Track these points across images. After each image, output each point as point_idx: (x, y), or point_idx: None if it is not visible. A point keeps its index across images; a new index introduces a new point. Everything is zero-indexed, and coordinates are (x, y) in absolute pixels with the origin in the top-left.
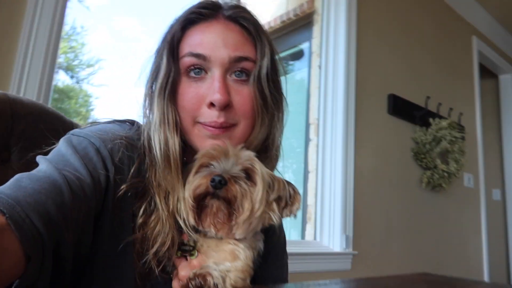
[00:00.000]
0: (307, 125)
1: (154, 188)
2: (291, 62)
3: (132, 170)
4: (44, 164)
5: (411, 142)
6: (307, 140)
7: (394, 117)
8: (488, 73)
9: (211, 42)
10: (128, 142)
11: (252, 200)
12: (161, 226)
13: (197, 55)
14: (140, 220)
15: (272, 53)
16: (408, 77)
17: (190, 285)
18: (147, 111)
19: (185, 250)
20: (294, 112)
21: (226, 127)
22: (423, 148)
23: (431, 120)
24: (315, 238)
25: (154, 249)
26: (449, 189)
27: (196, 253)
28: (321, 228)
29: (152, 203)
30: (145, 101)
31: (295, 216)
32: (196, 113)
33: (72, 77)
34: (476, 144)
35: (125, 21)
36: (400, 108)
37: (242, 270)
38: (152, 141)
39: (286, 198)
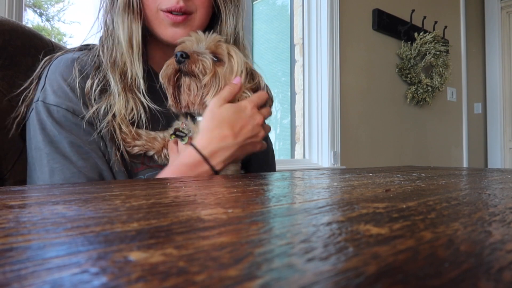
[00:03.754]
0: (292, 46)
1: (109, 68)
2: None
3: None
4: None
5: (396, 58)
6: (292, 62)
7: (379, 33)
8: None
9: None
10: (81, 60)
11: (215, 70)
12: (117, 100)
13: None
14: (95, 96)
15: None
16: None
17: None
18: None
19: (178, 135)
20: (277, 35)
21: (185, 14)
22: (407, 64)
23: (415, 34)
24: (304, 157)
25: (109, 116)
26: (433, 103)
27: (187, 140)
28: (309, 147)
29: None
30: None
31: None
32: (157, 0)
33: (41, 14)
34: (460, 57)
35: None
36: (385, 23)
37: None
38: (116, 24)
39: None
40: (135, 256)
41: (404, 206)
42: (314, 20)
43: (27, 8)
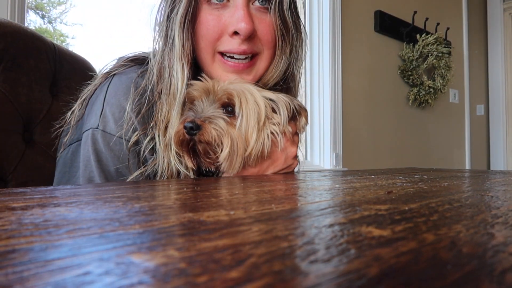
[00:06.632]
0: None
1: (157, 123)
2: None
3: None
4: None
5: (398, 60)
6: None
7: (381, 34)
8: None
9: None
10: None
11: (231, 135)
12: (161, 162)
13: None
14: (145, 155)
15: None
16: None
17: None
18: (160, 42)
19: (207, 176)
20: None
21: (248, 60)
22: (410, 65)
23: (417, 36)
24: (306, 159)
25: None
26: (435, 105)
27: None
28: (311, 149)
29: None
30: (160, 30)
31: (303, 131)
32: (217, 42)
33: (43, 16)
34: (462, 59)
35: None
36: (387, 25)
37: None
38: (172, 73)
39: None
40: (136, 257)
41: (406, 208)
42: (316, 22)
43: (29, 10)
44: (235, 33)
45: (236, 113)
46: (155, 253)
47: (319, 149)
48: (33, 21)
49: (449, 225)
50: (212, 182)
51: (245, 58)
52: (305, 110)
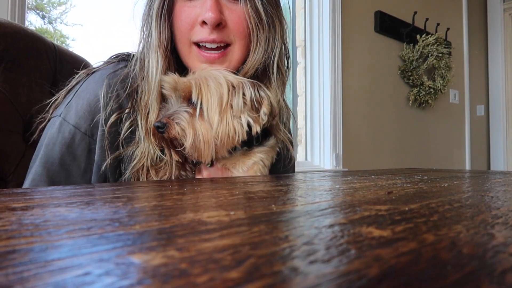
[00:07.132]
0: (294, 48)
1: (139, 108)
2: None
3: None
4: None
5: (398, 60)
6: (294, 64)
7: (381, 35)
8: None
9: None
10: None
11: (194, 126)
12: (141, 145)
13: None
14: (123, 138)
15: None
16: None
17: None
18: (144, 34)
19: (201, 162)
20: None
21: (221, 49)
22: (410, 66)
23: (418, 36)
24: (306, 159)
25: (132, 165)
26: (435, 105)
27: (210, 164)
28: (311, 149)
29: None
30: (143, 24)
31: (263, 121)
32: (190, 32)
33: (43, 17)
34: (462, 59)
35: None
36: (387, 25)
37: None
38: (149, 63)
39: (248, 105)
40: (137, 258)
41: (407, 209)
42: (316, 22)
43: (29, 11)
44: (204, 22)
45: (194, 101)
46: (155, 254)
47: (319, 149)
48: (33, 22)
49: (449, 226)
50: (212, 183)
51: (217, 48)
52: (266, 99)
